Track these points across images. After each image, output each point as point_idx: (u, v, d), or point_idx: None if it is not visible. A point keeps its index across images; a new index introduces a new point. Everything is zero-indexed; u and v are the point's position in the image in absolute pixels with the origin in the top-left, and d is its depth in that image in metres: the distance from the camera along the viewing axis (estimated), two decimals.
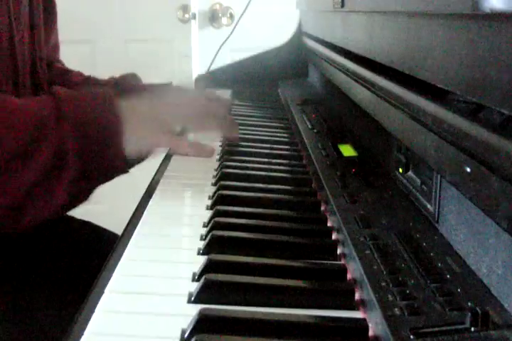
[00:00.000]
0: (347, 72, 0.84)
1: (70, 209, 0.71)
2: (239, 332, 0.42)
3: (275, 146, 0.91)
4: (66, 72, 1.15)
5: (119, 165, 0.70)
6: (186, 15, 2.10)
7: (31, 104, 0.68)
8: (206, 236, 0.57)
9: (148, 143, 0.74)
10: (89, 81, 1.13)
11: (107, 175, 0.71)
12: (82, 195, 0.71)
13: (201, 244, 0.56)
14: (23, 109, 0.67)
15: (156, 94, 0.84)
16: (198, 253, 0.54)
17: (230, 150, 0.86)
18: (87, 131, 0.66)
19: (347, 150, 0.80)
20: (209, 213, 0.63)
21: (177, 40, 2.13)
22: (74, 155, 0.65)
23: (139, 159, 0.75)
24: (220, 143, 0.94)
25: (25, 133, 0.64)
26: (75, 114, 0.66)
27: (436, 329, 0.38)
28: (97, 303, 0.45)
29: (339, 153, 0.79)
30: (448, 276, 0.45)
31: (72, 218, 1.01)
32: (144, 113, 0.75)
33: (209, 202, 0.67)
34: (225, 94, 1.35)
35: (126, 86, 1.10)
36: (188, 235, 0.61)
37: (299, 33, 1.47)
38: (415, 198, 0.59)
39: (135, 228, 0.60)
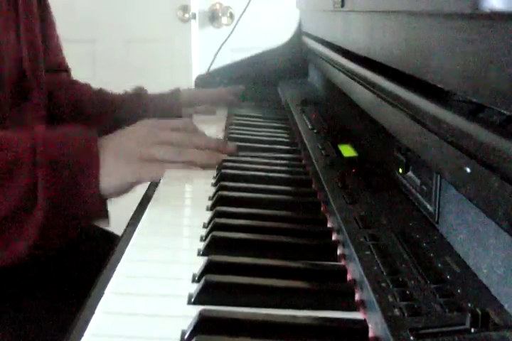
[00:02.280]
0: (347, 72, 0.84)
1: (42, 249, 0.67)
2: (239, 333, 0.41)
3: (275, 146, 0.91)
4: (72, 85, 1.14)
5: (94, 208, 0.68)
6: (186, 15, 2.10)
7: (8, 140, 0.67)
8: (206, 237, 0.57)
9: (126, 179, 0.71)
10: (98, 97, 1.12)
11: (82, 218, 0.69)
12: (54, 235, 0.67)
13: (201, 245, 0.55)
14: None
15: (135, 126, 0.78)
16: (198, 254, 0.54)
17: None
18: (61, 174, 0.65)
19: (347, 150, 0.80)
20: (209, 214, 0.63)
21: (177, 40, 2.13)
22: (45, 197, 0.64)
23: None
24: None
25: None
26: (49, 154, 0.65)
27: (437, 330, 0.38)
28: (96, 304, 0.45)
29: (339, 153, 0.79)
30: (448, 276, 0.45)
31: None
32: (121, 149, 0.72)
33: (209, 203, 0.67)
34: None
35: (135, 102, 1.10)
36: (188, 236, 0.61)
37: (299, 32, 1.47)
38: (415, 198, 0.59)
39: (135, 228, 0.60)
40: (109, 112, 1.10)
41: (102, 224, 0.73)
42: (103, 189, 0.68)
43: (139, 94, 1.13)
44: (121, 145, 0.73)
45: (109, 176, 0.68)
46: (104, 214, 0.71)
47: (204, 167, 0.77)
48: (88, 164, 0.67)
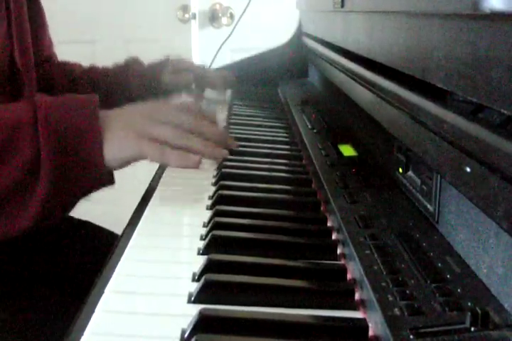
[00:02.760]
0: (347, 72, 0.84)
1: (49, 219, 0.67)
2: (239, 332, 0.41)
3: (275, 146, 0.91)
4: (66, 65, 1.15)
5: (98, 173, 0.66)
6: (186, 15, 2.10)
7: (8, 108, 0.66)
8: (206, 236, 0.57)
9: (128, 151, 0.68)
10: (91, 72, 1.14)
11: (87, 185, 0.67)
12: (59, 207, 0.67)
13: (201, 244, 0.56)
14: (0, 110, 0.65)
15: (145, 103, 0.77)
16: (198, 253, 0.54)
17: (230, 150, 0.86)
18: (64, 138, 0.64)
19: (347, 150, 0.80)
20: (209, 213, 0.63)
21: (177, 40, 2.13)
22: (49, 162, 0.63)
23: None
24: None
25: None
26: (51, 121, 0.64)
27: (436, 329, 0.38)
28: (96, 303, 0.45)
29: (339, 153, 0.79)
30: (448, 276, 0.45)
31: (72, 218, 1.01)
32: (126, 121, 0.70)
33: (209, 202, 0.67)
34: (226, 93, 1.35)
35: (130, 73, 1.11)
36: (188, 235, 0.61)
37: (299, 33, 1.47)
38: (415, 198, 0.59)
39: (135, 228, 0.60)
40: (101, 85, 1.10)
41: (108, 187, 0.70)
42: (108, 157, 0.66)
43: (127, 65, 1.14)
44: (126, 119, 0.71)
45: (112, 147, 0.66)
46: (110, 181, 0.69)
47: (206, 156, 0.73)
48: (91, 134, 0.65)
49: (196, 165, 0.70)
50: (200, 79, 1.19)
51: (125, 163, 0.68)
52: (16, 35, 0.89)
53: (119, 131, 0.67)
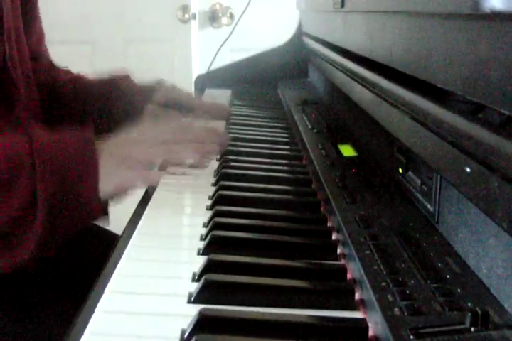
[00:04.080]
0: (347, 72, 0.84)
1: (45, 252, 0.67)
2: (239, 332, 0.41)
3: (275, 146, 0.91)
4: (53, 69, 1.13)
5: (93, 209, 0.68)
6: (186, 15, 2.10)
7: (6, 145, 0.66)
8: (206, 236, 0.57)
9: (123, 182, 0.70)
10: (77, 80, 1.12)
11: (81, 220, 0.68)
12: (54, 242, 0.67)
13: (201, 244, 0.56)
14: None
15: (132, 131, 0.78)
16: (198, 254, 0.54)
17: (230, 150, 0.86)
18: (60, 178, 0.65)
19: (347, 150, 0.80)
20: (209, 213, 0.63)
21: (177, 40, 2.13)
22: (46, 199, 0.63)
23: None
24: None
25: None
26: (48, 161, 0.65)
27: (436, 329, 0.38)
28: (96, 303, 0.45)
29: (339, 153, 0.79)
30: (448, 276, 0.45)
31: None
32: (117, 151, 0.72)
33: (209, 202, 0.67)
34: (225, 94, 1.35)
35: (115, 89, 1.08)
36: (188, 235, 0.61)
37: (299, 33, 1.47)
38: (415, 198, 0.59)
39: (135, 228, 0.60)
40: (82, 96, 1.08)
41: (102, 224, 0.72)
42: (102, 193, 0.68)
43: (116, 82, 1.11)
44: (120, 151, 0.73)
45: (107, 181, 0.68)
46: (104, 215, 0.71)
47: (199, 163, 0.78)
48: (87, 170, 0.67)
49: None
50: (189, 111, 1.11)
51: (122, 195, 0.71)
52: (5, 31, 0.89)
53: (113, 165, 0.70)
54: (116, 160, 0.70)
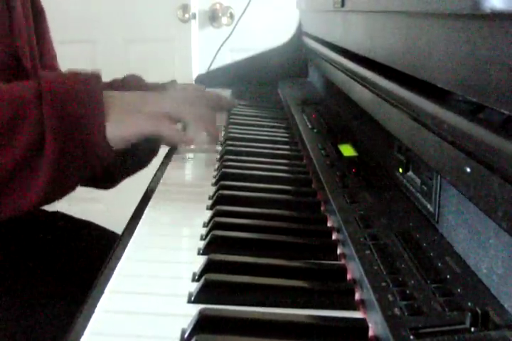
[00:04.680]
0: (347, 72, 0.84)
1: (54, 198, 0.68)
2: (239, 332, 0.41)
3: (275, 146, 0.91)
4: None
5: (101, 148, 0.67)
6: (186, 15, 2.10)
7: (13, 86, 0.66)
8: (206, 236, 0.57)
9: (131, 127, 0.70)
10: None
11: (90, 160, 0.67)
12: (64, 184, 0.67)
13: (201, 244, 0.56)
14: (4, 90, 0.65)
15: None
16: (198, 253, 0.54)
17: (230, 150, 0.86)
18: (68, 112, 0.64)
19: (347, 150, 0.80)
20: (209, 213, 0.63)
21: (177, 40, 2.13)
22: (53, 136, 0.63)
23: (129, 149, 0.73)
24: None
25: (4, 112, 0.62)
26: (55, 95, 0.64)
27: (436, 329, 0.38)
28: (97, 303, 0.45)
29: (339, 153, 0.79)
30: (448, 276, 0.45)
31: (72, 218, 1.01)
32: (128, 98, 0.73)
33: (209, 202, 0.67)
34: (225, 94, 1.35)
35: (128, 88, 1.09)
36: (188, 235, 0.61)
37: (299, 33, 1.47)
38: (415, 198, 0.59)
39: (135, 228, 0.60)
40: None
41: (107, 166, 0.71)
42: (109, 137, 0.67)
43: (125, 81, 1.11)
44: (129, 98, 0.73)
45: (115, 125, 0.68)
46: (111, 159, 0.70)
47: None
48: (94, 112, 0.66)
49: (189, 143, 0.77)
50: None
51: (127, 142, 0.70)
52: (19, 32, 0.89)
53: (121, 110, 0.69)
54: (128, 106, 0.70)
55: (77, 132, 0.64)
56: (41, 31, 1.02)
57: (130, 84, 1.08)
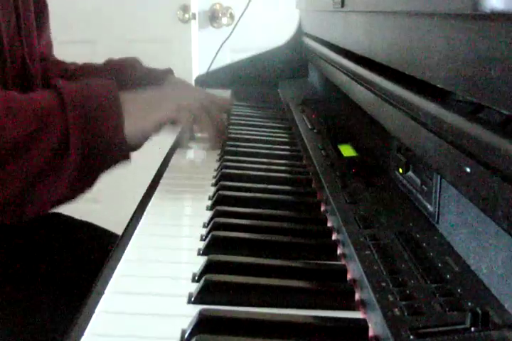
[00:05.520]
0: (347, 72, 0.84)
1: (72, 198, 0.73)
2: (239, 332, 0.41)
3: (275, 146, 0.91)
4: (61, 63, 1.15)
5: (120, 151, 0.72)
6: (186, 15, 2.10)
7: (35, 95, 0.71)
8: (206, 236, 0.57)
9: (148, 124, 0.75)
10: (86, 68, 1.14)
11: (109, 163, 0.73)
12: (84, 184, 0.72)
13: (201, 245, 0.55)
14: (28, 99, 0.69)
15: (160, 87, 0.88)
16: (198, 254, 0.54)
17: (230, 150, 0.86)
18: (90, 119, 0.68)
19: (347, 150, 0.80)
20: (209, 213, 0.63)
21: (177, 40, 2.13)
22: (77, 142, 0.67)
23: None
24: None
25: (29, 121, 0.66)
26: (77, 103, 0.68)
27: (437, 329, 0.38)
28: (97, 304, 0.45)
29: (339, 153, 0.79)
30: (448, 276, 0.45)
31: (72, 218, 1.01)
32: (144, 99, 0.79)
33: (209, 203, 0.67)
34: (225, 94, 1.35)
35: (124, 72, 1.11)
36: (188, 235, 0.61)
37: (299, 33, 1.47)
38: (415, 198, 0.59)
39: (135, 228, 0.60)
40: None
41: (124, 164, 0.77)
42: (128, 134, 0.72)
43: (125, 63, 1.14)
44: (145, 96, 0.79)
45: (133, 123, 0.73)
46: (127, 158, 0.74)
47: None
48: (113, 113, 0.71)
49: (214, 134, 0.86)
50: None
51: (147, 136, 0.76)
52: (23, 29, 0.91)
53: (139, 110, 0.75)
54: (137, 103, 0.76)
55: (99, 135, 0.69)
56: (42, 19, 1.03)
57: (129, 66, 1.11)
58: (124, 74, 1.11)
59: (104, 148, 0.70)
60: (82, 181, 0.71)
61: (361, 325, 0.43)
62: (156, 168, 0.82)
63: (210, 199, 0.69)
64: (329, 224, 0.61)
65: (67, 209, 0.99)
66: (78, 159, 0.67)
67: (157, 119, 0.76)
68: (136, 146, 0.76)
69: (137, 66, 1.15)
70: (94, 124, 0.69)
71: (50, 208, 0.71)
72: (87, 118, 0.68)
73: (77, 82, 0.74)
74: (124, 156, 0.73)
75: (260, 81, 1.45)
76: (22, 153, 0.65)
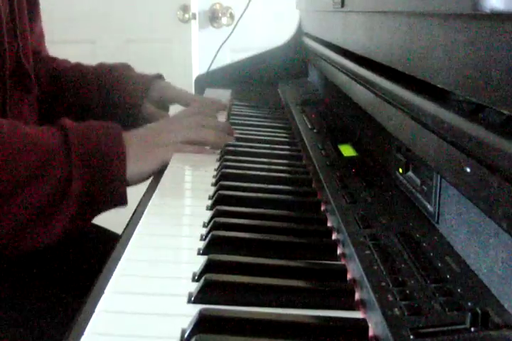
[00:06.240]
0: (347, 72, 0.84)
1: (68, 235, 0.72)
2: (239, 332, 0.41)
3: (275, 146, 0.91)
4: (52, 60, 1.16)
5: (119, 195, 0.73)
6: (186, 15, 2.10)
7: (40, 132, 0.71)
8: (206, 236, 0.57)
9: (151, 168, 0.77)
10: (77, 68, 1.14)
11: (108, 205, 0.74)
12: (81, 223, 0.73)
13: (201, 244, 0.55)
14: (33, 136, 0.70)
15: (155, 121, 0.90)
16: (198, 254, 0.54)
17: (230, 150, 0.86)
18: (93, 161, 0.70)
19: (347, 150, 0.80)
20: (209, 213, 0.63)
21: (177, 40, 2.13)
22: (78, 184, 0.68)
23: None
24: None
25: (33, 159, 0.67)
26: (82, 145, 0.70)
27: (437, 329, 0.38)
28: (97, 303, 0.45)
29: (339, 153, 0.79)
30: (448, 276, 0.45)
31: None
32: (142, 135, 0.80)
33: (209, 202, 0.67)
34: (225, 93, 1.35)
35: (112, 75, 1.11)
36: (188, 235, 0.61)
37: (299, 33, 1.47)
38: (415, 198, 0.59)
39: (135, 228, 0.60)
40: (81, 85, 1.13)
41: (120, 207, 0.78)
42: (129, 177, 0.74)
43: (112, 67, 1.15)
44: (144, 135, 0.80)
45: (134, 165, 0.74)
46: (124, 202, 0.75)
47: (214, 146, 0.86)
48: (116, 158, 0.72)
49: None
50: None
51: (148, 175, 0.77)
52: (17, 22, 0.91)
53: (139, 151, 0.76)
54: (138, 145, 0.77)
55: (100, 177, 0.71)
56: (34, 9, 1.04)
57: (117, 71, 1.11)
58: (112, 78, 1.12)
59: (105, 192, 0.71)
60: (82, 216, 0.71)
61: (361, 325, 0.42)
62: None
63: (210, 198, 0.69)
64: (329, 224, 0.61)
65: None
66: (79, 194, 0.68)
67: (159, 162, 0.78)
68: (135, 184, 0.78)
69: (126, 71, 1.14)
70: (96, 168, 0.70)
71: (48, 243, 0.71)
72: (91, 159, 0.70)
73: (81, 124, 0.75)
74: (122, 202, 0.74)
75: (260, 81, 1.45)
76: (24, 189, 0.66)
